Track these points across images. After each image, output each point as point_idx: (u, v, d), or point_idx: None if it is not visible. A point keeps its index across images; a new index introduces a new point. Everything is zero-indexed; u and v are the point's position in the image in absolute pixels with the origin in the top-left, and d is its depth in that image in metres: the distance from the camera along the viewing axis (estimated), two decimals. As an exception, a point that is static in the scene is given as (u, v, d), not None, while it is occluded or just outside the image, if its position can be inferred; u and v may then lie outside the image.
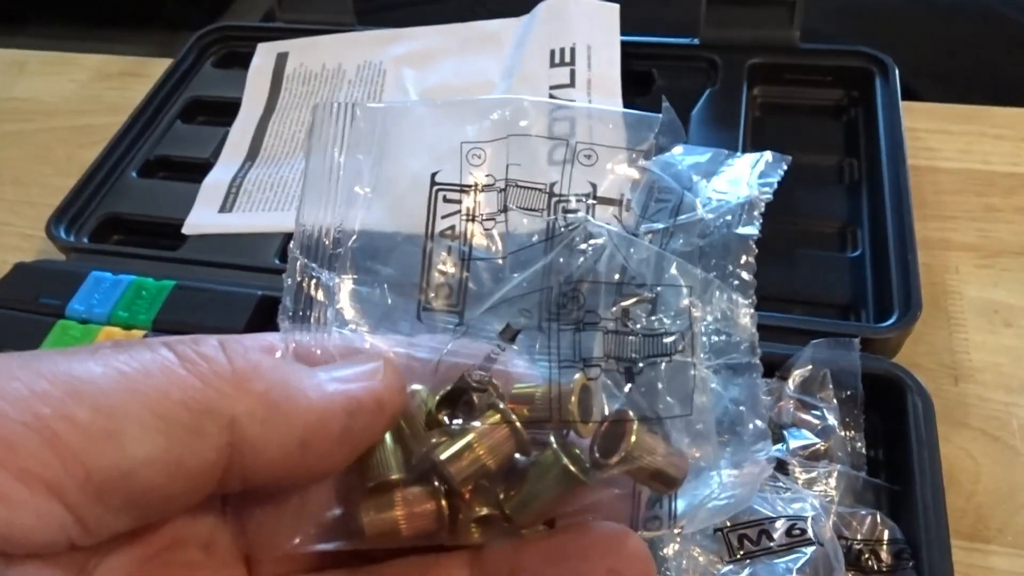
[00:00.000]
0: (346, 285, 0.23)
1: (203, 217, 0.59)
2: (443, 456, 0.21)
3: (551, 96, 0.63)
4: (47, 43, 0.86)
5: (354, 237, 0.23)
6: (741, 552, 0.36)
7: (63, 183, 0.65)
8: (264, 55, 0.72)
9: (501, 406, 0.21)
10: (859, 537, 0.39)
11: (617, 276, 0.22)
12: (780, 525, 0.36)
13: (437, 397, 0.23)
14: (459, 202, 0.23)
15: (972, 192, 0.59)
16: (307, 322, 0.23)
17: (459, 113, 0.23)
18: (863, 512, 0.39)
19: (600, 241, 0.22)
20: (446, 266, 0.23)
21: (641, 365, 0.22)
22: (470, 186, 0.23)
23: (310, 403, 0.19)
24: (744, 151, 0.58)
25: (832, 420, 0.43)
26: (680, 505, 0.22)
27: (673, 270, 0.22)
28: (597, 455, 0.21)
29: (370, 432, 0.21)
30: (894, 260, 0.51)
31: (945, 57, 0.77)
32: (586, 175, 0.23)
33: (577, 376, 0.22)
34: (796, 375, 0.44)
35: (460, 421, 0.22)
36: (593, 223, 0.23)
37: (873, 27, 0.78)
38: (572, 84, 0.64)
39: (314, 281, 0.23)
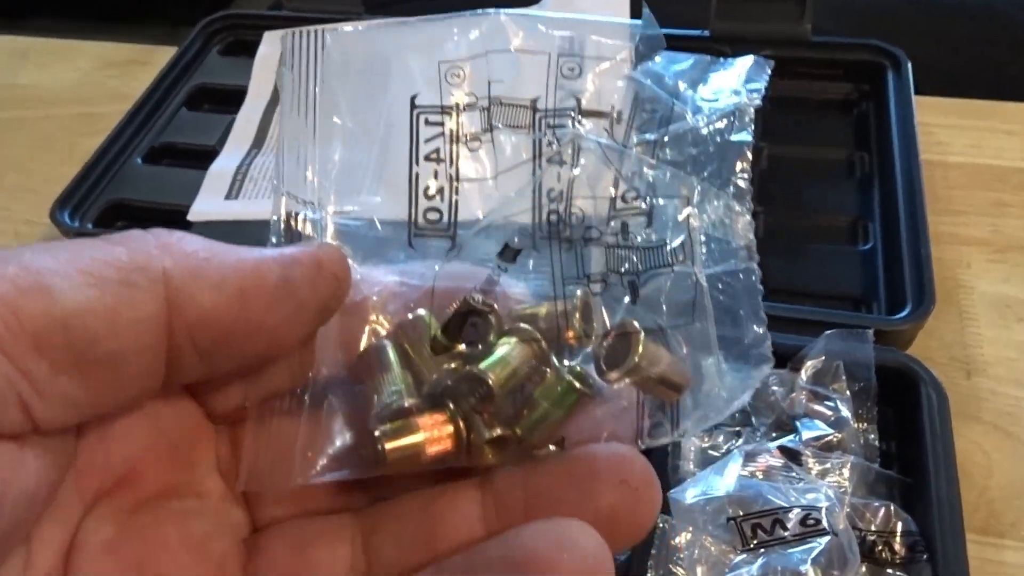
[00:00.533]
0: (332, 219, 0.22)
1: (209, 204, 0.59)
2: (483, 366, 0.21)
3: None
4: (50, 35, 0.86)
5: (336, 169, 0.22)
6: (755, 541, 0.36)
7: (66, 171, 0.64)
8: (271, 43, 0.71)
9: (522, 326, 0.21)
10: (873, 528, 0.38)
11: (612, 190, 0.22)
12: (794, 515, 0.36)
13: (441, 323, 0.22)
14: (442, 124, 0.23)
15: (983, 187, 0.59)
16: None
17: (435, 32, 0.23)
18: (876, 504, 0.39)
19: (592, 155, 0.22)
20: (434, 190, 0.23)
21: (643, 278, 0.21)
22: (451, 107, 0.23)
23: (240, 257, 0.19)
24: (754, 145, 0.58)
25: (845, 412, 0.42)
26: (683, 411, 0.22)
27: (668, 180, 0.22)
28: (604, 367, 0.21)
29: (313, 288, 0.20)
30: (907, 253, 0.50)
31: (948, 55, 0.76)
32: (570, 88, 0.23)
33: (580, 292, 0.21)
34: (809, 366, 0.44)
35: (464, 347, 0.22)
36: (584, 137, 0.22)
37: (876, 25, 0.78)
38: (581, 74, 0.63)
39: (300, 216, 0.22)
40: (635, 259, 0.22)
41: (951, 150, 0.61)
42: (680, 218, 0.22)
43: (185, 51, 0.72)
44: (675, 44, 0.67)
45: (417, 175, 0.22)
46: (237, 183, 0.60)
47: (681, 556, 0.36)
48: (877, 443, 0.43)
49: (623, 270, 0.22)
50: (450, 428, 0.21)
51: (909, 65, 0.61)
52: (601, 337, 0.21)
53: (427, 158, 0.22)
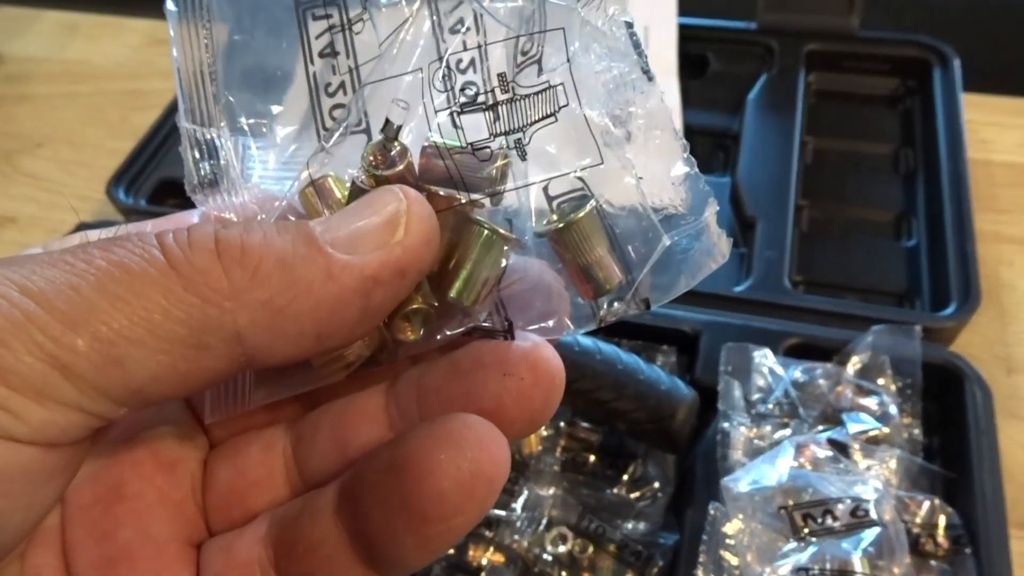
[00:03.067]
0: (240, 139, 0.22)
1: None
2: (462, 298, 0.20)
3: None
4: (99, 10, 0.87)
5: (234, 87, 0.21)
6: (805, 530, 0.37)
7: (117, 145, 0.65)
8: (318, 25, 0.72)
9: (438, 190, 0.20)
10: (917, 521, 0.39)
11: (510, 48, 0.21)
12: (844, 506, 0.37)
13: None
14: (328, 16, 0.21)
15: (1027, 186, 0.59)
16: (216, 188, 0.21)
17: None
18: (921, 497, 0.40)
19: (468, 16, 0.21)
20: (335, 85, 0.22)
21: (532, 131, 0.21)
22: None
23: (319, 300, 0.17)
24: (800, 138, 0.59)
25: (891, 406, 0.43)
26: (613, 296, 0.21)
27: (547, 18, 0.21)
28: (555, 216, 0.20)
29: (392, 301, 0.19)
30: (952, 250, 0.51)
31: (996, 53, 0.76)
32: None
33: (497, 150, 0.20)
34: (856, 360, 0.45)
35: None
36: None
37: (924, 21, 0.78)
38: (629, 64, 0.64)
39: (206, 144, 0.21)
40: (521, 114, 0.21)
41: (996, 148, 0.61)
42: (559, 57, 0.21)
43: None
44: (721, 35, 0.68)
45: (315, 73, 0.21)
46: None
47: (731, 542, 0.38)
48: (921, 438, 0.43)
49: (511, 129, 0.21)
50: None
51: (957, 62, 0.61)
52: (552, 198, 0.21)
53: (321, 55, 0.21)
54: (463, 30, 0.21)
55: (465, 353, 0.21)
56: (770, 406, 0.44)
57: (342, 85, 0.21)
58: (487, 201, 0.20)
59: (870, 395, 0.44)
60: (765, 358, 0.45)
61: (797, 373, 0.45)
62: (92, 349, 0.16)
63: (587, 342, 0.44)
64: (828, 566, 0.35)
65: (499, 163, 0.20)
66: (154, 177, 0.62)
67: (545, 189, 0.21)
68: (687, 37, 0.65)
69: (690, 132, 0.61)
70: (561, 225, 0.20)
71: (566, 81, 0.21)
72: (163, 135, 0.64)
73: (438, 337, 0.21)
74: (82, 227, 0.56)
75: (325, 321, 0.18)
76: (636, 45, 0.21)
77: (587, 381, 0.42)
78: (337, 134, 0.21)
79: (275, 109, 0.22)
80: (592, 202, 0.20)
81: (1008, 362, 0.50)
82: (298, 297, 0.17)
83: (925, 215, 0.55)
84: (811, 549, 0.36)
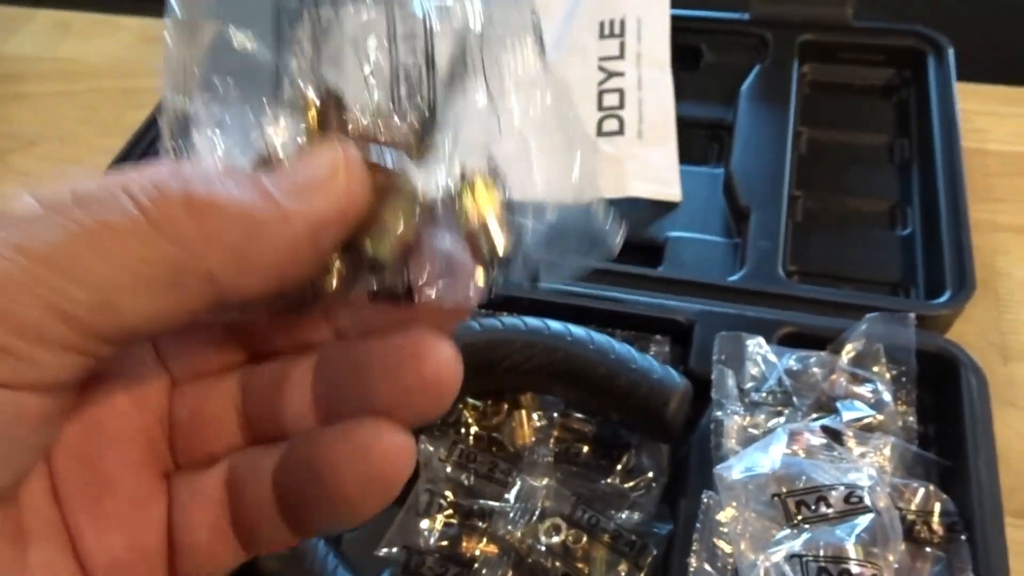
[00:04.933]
0: (213, 113, 0.24)
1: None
2: (377, 250, 0.22)
3: (600, 68, 0.63)
4: (91, 8, 0.87)
5: (215, 73, 0.24)
6: (798, 518, 0.36)
7: (110, 143, 0.65)
8: (311, 21, 0.72)
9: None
10: (912, 508, 0.39)
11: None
12: (837, 493, 0.37)
13: None
14: (301, 18, 0.24)
15: (1022, 175, 0.59)
16: (186, 155, 0.24)
17: None
18: (916, 484, 0.40)
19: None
20: (296, 72, 0.24)
21: (442, 103, 0.23)
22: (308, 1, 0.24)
23: (278, 242, 0.20)
24: (794, 129, 0.59)
25: (885, 394, 0.43)
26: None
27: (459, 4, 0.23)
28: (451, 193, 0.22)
29: (337, 238, 0.22)
30: (947, 239, 0.51)
31: (990, 42, 0.76)
32: None
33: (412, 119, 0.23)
34: (850, 348, 0.44)
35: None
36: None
37: (918, 11, 0.77)
38: (622, 56, 0.64)
39: (183, 115, 0.24)
40: (435, 86, 0.23)
41: (991, 137, 0.61)
42: (471, 41, 0.23)
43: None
44: (714, 27, 0.67)
45: (282, 64, 0.24)
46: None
47: (725, 530, 0.37)
48: (916, 426, 0.43)
49: (424, 99, 0.23)
50: None
51: (951, 51, 0.61)
52: (465, 170, 0.22)
53: (292, 52, 0.24)
54: (412, 23, 0.24)
55: (366, 352, 0.23)
56: (764, 395, 0.43)
57: (302, 73, 0.24)
58: (409, 167, 0.22)
59: (864, 383, 0.43)
60: (759, 347, 0.45)
61: (791, 362, 0.44)
62: (88, 296, 0.18)
63: (579, 332, 0.43)
64: (822, 553, 0.35)
65: (421, 135, 0.23)
66: (147, 174, 0.62)
67: (460, 161, 0.23)
68: (680, 29, 0.64)
69: (683, 124, 0.61)
70: (453, 192, 0.22)
71: (476, 60, 0.23)
72: (156, 133, 0.64)
73: (351, 294, 0.23)
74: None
75: (284, 260, 0.20)
76: (536, 27, 0.23)
77: (579, 371, 0.42)
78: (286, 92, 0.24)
79: (246, 90, 0.25)
80: (487, 173, 0.22)
81: (1004, 350, 0.50)
82: (259, 240, 0.20)
83: (920, 204, 0.55)
84: (805, 536, 0.36)
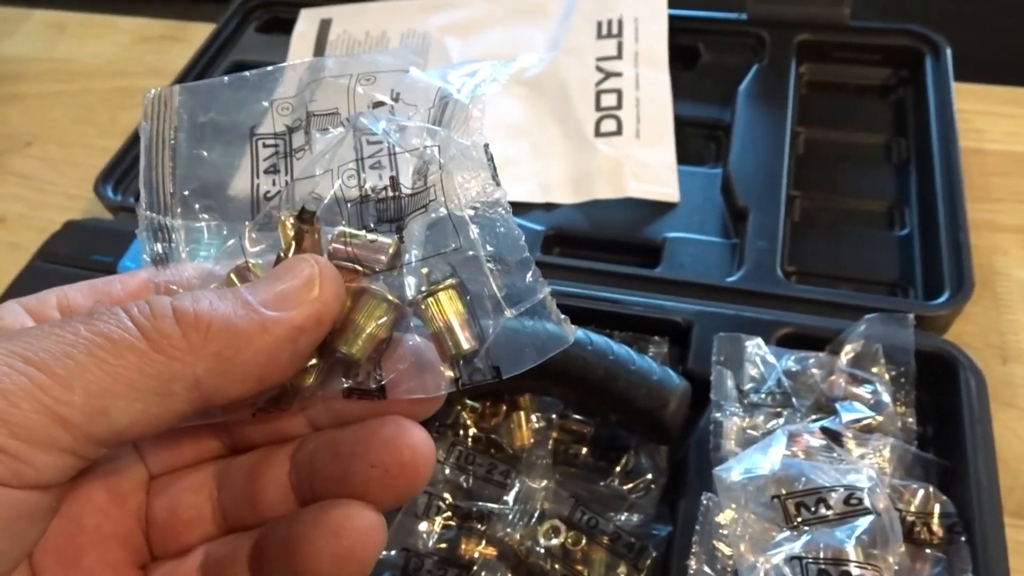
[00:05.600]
0: (191, 227, 0.27)
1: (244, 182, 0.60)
2: (351, 350, 0.24)
3: (597, 68, 0.63)
4: (86, 9, 0.86)
5: (188, 186, 0.27)
6: (798, 519, 0.36)
7: (106, 144, 0.65)
8: (307, 21, 0.72)
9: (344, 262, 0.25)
10: (912, 509, 0.39)
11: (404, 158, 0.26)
12: (837, 494, 0.37)
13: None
14: (275, 145, 0.28)
15: (1020, 175, 0.59)
16: (166, 264, 0.27)
17: (266, 80, 0.28)
18: (915, 485, 0.40)
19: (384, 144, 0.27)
20: (273, 192, 0.27)
21: (407, 220, 0.26)
22: (282, 132, 0.28)
23: (258, 349, 0.22)
24: (792, 129, 0.59)
25: (884, 395, 0.43)
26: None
27: (419, 138, 0.26)
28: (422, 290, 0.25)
29: (314, 345, 0.23)
30: (945, 239, 0.51)
31: (987, 42, 0.76)
32: (368, 96, 0.28)
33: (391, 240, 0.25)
34: (848, 349, 0.44)
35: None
36: (364, 120, 0.27)
37: (915, 10, 0.78)
38: (619, 56, 0.63)
39: (161, 228, 0.27)
40: (403, 207, 0.26)
41: (989, 137, 0.61)
42: (432, 167, 0.26)
43: (223, 28, 0.72)
44: (711, 26, 0.67)
45: (258, 185, 0.27)
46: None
47: (725, 532, 0.37)
48: (915, 426, 0.43)
49: (394, 217, 0.26)
50: None
51: (948, 51, 0.60)
52: (428, 276, 0.25)
53: (266, 172, 0.28)
54: (378, 152, 0.27)
55: (343, 439, 0.24)
56: (763, 396, 0.43)
57: (279, 193, 0.27)
58: (380, 277, 0.25)
59: (863, 384, 0.43)
60: (758, 348, 0.45)
61: (790, 363, 0.44)
62: (85, 403, 0.20)
63: (579, 334, 0.43)
64: (821, 555, 0.35)
65: (391, 250, 0.25)
66: (143, 175, 0.62)
67: (426, 270, 0.25)
68: (677, 29, 0.64)
69: (681, 124, 0.61)
70: (419, 297, 0.24)
71: (437, 184, 0.26)
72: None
73: (328, 391, 0.25)
74: (70, 225, 0.56)
75: (264, 365, 0.22)
76: (490, 159, 0.26)
77: (578, 372, 0.42)
78: (264, 212, 0.27)
79: (221, 206, 0.28)
80: (450, 280, 0.25)
81: (1003, 350, 0.50)
82: (241, 348, 0.22)
83: (918, 204, 0.55)
84: (804, 538, 0.36)
